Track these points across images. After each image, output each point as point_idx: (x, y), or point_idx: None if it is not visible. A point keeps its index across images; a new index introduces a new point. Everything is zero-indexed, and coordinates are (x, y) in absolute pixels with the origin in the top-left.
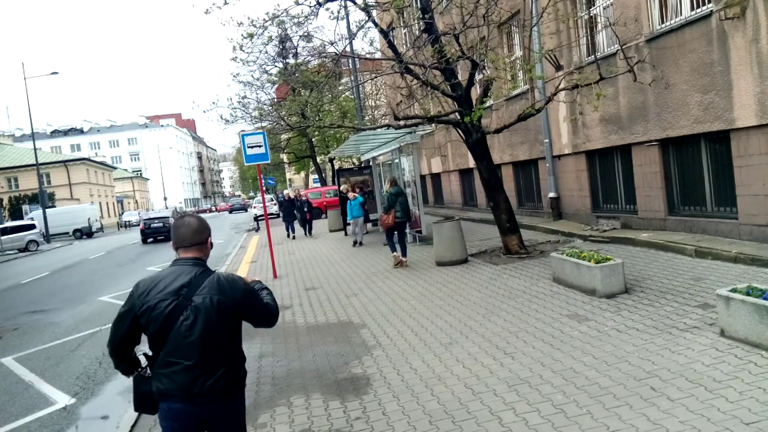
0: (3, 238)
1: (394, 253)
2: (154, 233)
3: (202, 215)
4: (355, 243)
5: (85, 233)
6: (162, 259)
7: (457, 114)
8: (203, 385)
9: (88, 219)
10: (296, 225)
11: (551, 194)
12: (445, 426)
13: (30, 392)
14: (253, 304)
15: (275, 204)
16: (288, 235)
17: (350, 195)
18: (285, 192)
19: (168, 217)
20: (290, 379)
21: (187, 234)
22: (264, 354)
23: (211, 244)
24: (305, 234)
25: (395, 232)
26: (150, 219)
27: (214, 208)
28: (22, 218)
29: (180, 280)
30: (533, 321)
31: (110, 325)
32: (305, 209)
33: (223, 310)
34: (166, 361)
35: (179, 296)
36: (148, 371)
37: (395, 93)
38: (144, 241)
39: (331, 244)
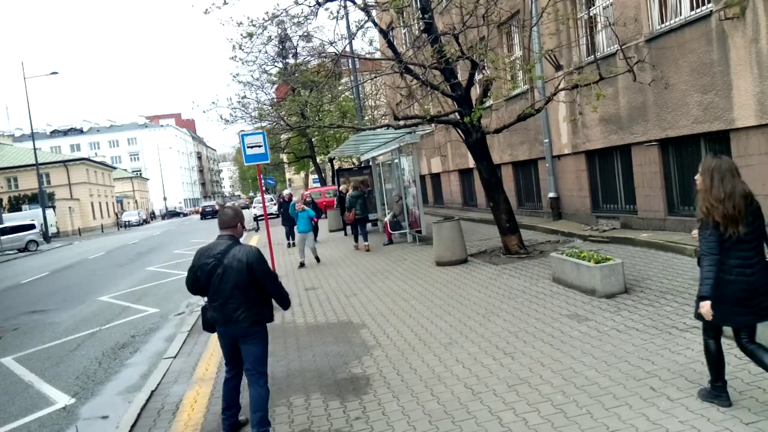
0: (3, 238)
1: (363, 242)
2: (208, 214)
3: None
4: (302, 264)
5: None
6: (161, 259)
7: (456, 114)
8: (231, 315)
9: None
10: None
11: (551, 194)
12: (445, 426)
13: (30, 392)
14: (262, 267)
15: (275, 204)
16: (288, 244)
17: (298, 206)
18: (285, 192)
19: (214, 204)
20: (290, 379)
21: (225, 219)
22: None
23: (243, 226)
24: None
25: (358, 225)
26: (205, 206)
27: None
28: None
29: (219, 248)
30: (533, 321)
31: (110, 325)
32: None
33: (241, 267)
34: (211, 299)
35: (216, 258)
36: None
37: (395, 93)
38: (201, 218)
39: (330, 243)
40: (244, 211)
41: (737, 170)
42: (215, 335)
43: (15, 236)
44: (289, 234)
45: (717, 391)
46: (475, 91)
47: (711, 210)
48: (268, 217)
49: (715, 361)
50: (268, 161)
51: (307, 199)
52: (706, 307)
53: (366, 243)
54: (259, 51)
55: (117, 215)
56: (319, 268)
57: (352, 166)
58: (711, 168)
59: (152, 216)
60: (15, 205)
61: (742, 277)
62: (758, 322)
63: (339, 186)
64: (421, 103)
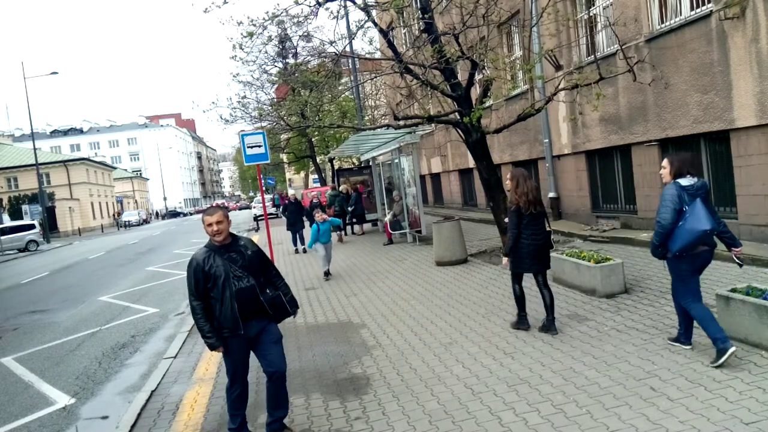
0: (3, 238)
1: (339, 232)
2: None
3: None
4: (327, 274)
5: None
6: (161, 259)
7: (456, 114)
8: None
9: None
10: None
11: (551, 194)
12: (445, 426)
13: (30, 392)
14: None
15: (273, 206)
16: (296, 249)
17: (318, 217)
18: (291, 193)
19: (224, 203)
20: (290, 379)
21: None
22: None
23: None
24: None
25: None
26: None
27: None
28: (22, 218)
29: None
30: (533, 321)
31: (110, 325)
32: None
33: None
34: None
35: None
36: None
37: (395, 93)
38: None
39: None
40: (245, 212)
41: (528, 175)
42: None
43: (15, 236)
44: (295, 240)
45: (521, 320)
46: (475, 91)
47: (517, 200)
48: (268, 217)
49: (520, 299)
50: (268, 161)
51: (314, 201)
52: (505, 260)
53: (340, 233)
54: (259, 51)
55: (114, 216)
56: (318, 267)
57: (352, 166)
58: (515, 175)
59: (155, 215)
60: (15, 205)
61: (534, 241)
62: (545, 269)
63: (339, 186)
64: (421, 103)
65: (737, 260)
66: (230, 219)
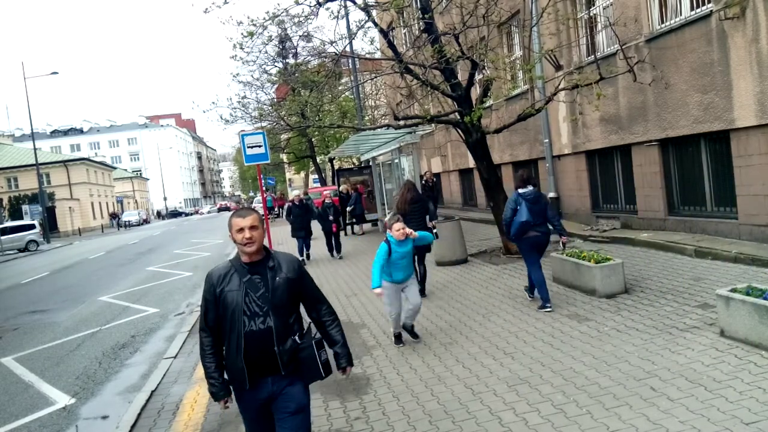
0: (3, 238)
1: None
2: (223, 209)
3: (198, 215)
4: (398, 339)
5: None
6: (161, 259)
7: (456, 114)
8: None
9: None
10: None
11: (551, 194)
12: (445, 426)
13: (30, 392)
14: None
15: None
16: (302, 259)
17: (397, 231)
18: (295, 193)
19: (226, 203)
20: None
21: None
22: None
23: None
24: (332, 255)
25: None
26: (221, 204)
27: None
28: (22, 218)
29: None
30: (533, 321)
31: (110, 325)
32: (330, 218)
33: None
34: None
35: None
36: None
37: (395, 93)
38: (218, 211)
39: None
40: None
41: (414, 185)
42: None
43: (15, 236)
44: (301, 249)
45: (421, 291)
46: (475, 91)
47: (399, 205)
48: (268, 218)
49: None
50: (268, 161)
51: (327, 201)
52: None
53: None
54: (260, 51)
55: (111, 216)
56: (318, 267)
57: (352, 166)
58: (402, 185)
59: (156, 215)
60: (15, 205)
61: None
62: (423, 253)
63: (339, 186)
64: (421, 103)
65: (562, 246)
66: (264, 225)
